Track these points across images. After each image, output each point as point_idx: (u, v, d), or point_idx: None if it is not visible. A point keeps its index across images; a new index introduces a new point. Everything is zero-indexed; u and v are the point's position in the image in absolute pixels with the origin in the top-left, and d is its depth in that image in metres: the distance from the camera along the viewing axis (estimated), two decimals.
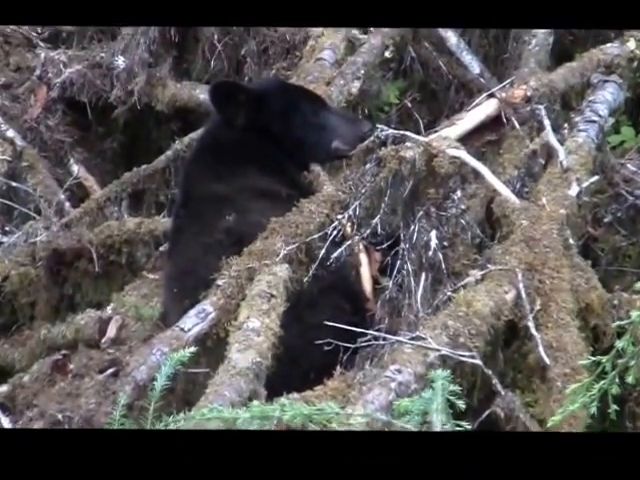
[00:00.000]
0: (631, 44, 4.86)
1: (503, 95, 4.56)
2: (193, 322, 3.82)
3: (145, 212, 5.52)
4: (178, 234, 4.47)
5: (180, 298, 4.11)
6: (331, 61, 5.54)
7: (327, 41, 5.66)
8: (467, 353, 3.38)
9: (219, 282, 3.96)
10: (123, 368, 3.76)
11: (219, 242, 4.16)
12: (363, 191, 3.98)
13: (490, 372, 3.38)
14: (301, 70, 5.55)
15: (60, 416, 3.59)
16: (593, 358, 3.04)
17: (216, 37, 5.98)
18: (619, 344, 2.96)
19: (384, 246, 4.13)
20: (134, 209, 5.55)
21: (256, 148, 4.60)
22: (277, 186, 4.46)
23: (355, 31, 5.76)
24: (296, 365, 3.82)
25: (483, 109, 4.53)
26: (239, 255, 4.01)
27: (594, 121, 4.43)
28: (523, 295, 3.61)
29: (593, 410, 2.99)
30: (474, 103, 4.58)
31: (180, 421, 3.07)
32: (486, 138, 4.55)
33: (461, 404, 2.98)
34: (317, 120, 4.75)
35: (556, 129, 4.40)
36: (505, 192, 4.08)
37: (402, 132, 4.10)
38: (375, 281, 4.27)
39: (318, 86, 5.23)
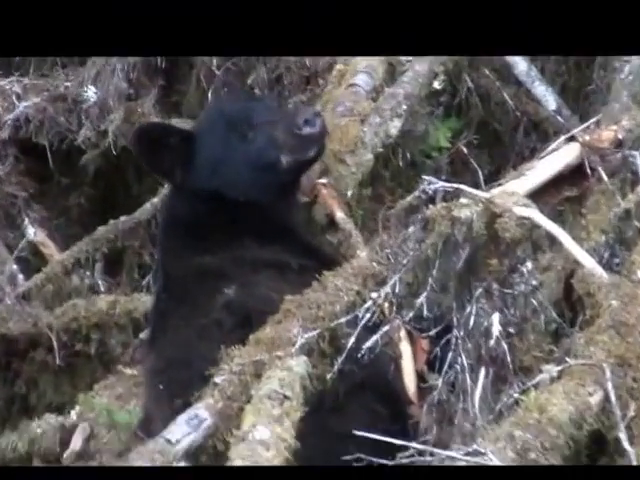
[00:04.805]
0: None
1: (587, 138, 4.62)
2: (183, 431, 3.83)
3: (126, 277, 5.56)
4: (162, 319, 4.51)
5: (166, 398, 4.15)
6: (367, 88, 5.51)
7: (361, 62, 5.61)
8: None
9: (217, 379, 3.98)
10: None
11: (218, 322, 4.23)
12: (405, 262, 4.03)
13: None
14: (327, 98, 5.57)
15: None
16: None
17: (215, 62, 6.07)
18: None
19: (432, 333, 4.14)
20: (111, 274, 5.59)
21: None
22: (284, 255, 4.52)
23: None
24: None
25: (561, 156, 4.59)
26: (245, 341, 4.04)
27: None
28: (612, 398, 3.62)
29: None
30: (549, 148, 4.64)
31: None
32: (565, 194, 4.60)
33: None
34: (245, 147, 4.72)
35: None
36: (589, 263, 4.11)
37: (455, 185, 4.14)
38: (420, 378, 4.32)
39: (351, 122, 5.24)
